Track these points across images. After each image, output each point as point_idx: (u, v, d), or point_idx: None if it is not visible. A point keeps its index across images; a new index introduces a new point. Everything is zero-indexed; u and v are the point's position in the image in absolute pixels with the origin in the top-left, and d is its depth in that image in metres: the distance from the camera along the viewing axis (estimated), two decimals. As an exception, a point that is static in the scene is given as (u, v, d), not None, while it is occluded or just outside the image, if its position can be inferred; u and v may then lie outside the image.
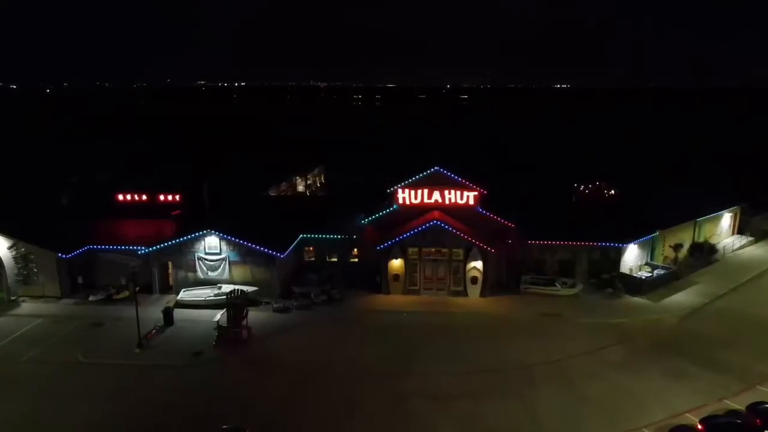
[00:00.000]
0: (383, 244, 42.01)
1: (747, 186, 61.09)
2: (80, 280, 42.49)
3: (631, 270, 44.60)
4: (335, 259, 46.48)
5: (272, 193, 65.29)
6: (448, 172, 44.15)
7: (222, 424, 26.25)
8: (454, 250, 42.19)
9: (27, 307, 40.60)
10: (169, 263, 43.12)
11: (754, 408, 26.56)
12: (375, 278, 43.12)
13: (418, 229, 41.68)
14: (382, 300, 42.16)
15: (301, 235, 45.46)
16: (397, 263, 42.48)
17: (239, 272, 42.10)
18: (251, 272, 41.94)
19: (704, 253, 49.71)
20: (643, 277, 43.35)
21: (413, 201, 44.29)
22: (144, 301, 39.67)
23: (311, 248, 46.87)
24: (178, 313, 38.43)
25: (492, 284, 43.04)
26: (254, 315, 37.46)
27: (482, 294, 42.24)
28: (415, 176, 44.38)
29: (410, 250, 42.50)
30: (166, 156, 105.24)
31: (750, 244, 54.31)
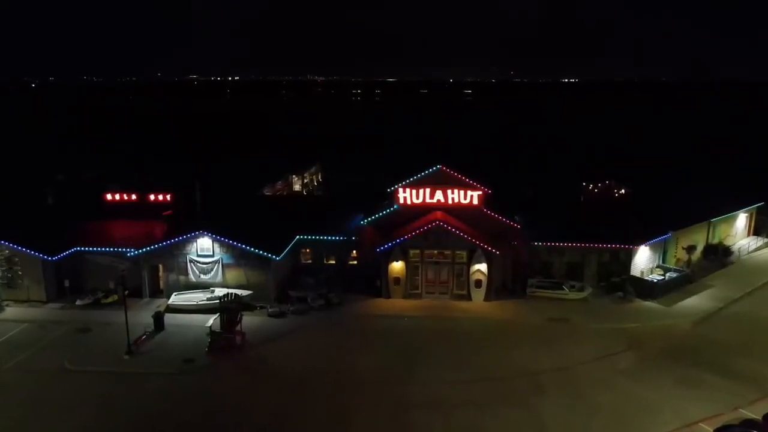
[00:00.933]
0: (383, 246, 42.01)
1: (764, 185, 60.95)
2: (67, 283, 42.47)
3: (642, 273, 44.60)
4: (333, 262, 46.48)
5: (267, 193, 65.30)
6: (451, 170, 44.10)
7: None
8: (458, 252, 42.19)
9: (11, 311, 40.58)
10: (160, 266, 43.11)
11: (771, 417, 26.54)
12: (375, 281, 43.12)
13: (419, 230, 41.67)
14: (383, 304, 42.16)
15: (297, 237, 45.46)
16: (397, 266, 42.48)
17: (233, 275, 42.12)
18: (245, 275, 41.96)
19: (719, 255, 49.70)
20: (655, 281, 43.34)
21: (415, 201, 44.29)
22: (133, 305, 39.63)
23: (308, 250, 46.85)
24: (169, 318, 38.43)
25: (497, 288, 43.03)
26: (248, 320, 37.48)
27: (487, 298, 42.22)
28: (416, 175, 44.36)
29: (412, 252, 42.50)
30: (157, 154, 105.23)
31: (767, 245, 54.29)
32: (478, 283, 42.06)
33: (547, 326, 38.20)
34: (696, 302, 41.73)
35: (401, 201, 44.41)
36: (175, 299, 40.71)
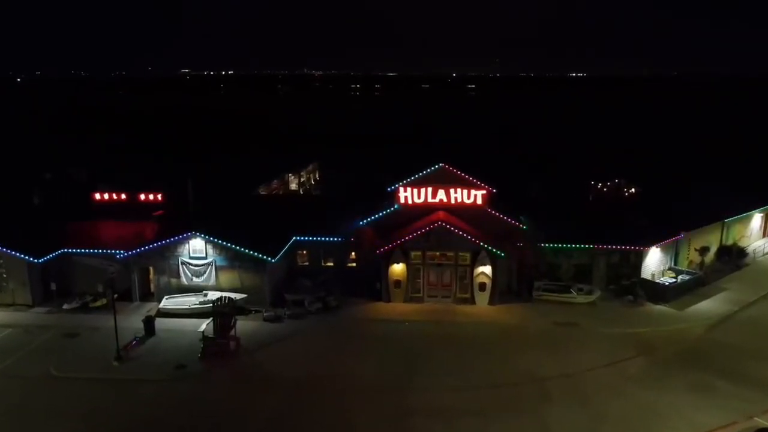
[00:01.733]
0: (383, 248, 42.00)
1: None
2: (53, 286, 42.38)
3: (653, 275, 44.57)
4: (331, 264, 46.49)
5: (263, 192, 65.37)
6: (454, 168, 44.08)
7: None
8: (461, 253, 42.19)
9: (-4, 316, 40.56)
10: (151, 268, 43.12)
11: (788, 426, 26.52)
12: (375, 284, 43.12)
13: (421, 230, 41.66)
14: (383, 308, 42.16)
15: (294, 238, 45.46)
16: (398, 268, 42.47)
17: (227, 278, 42.11)
18: (240, 278, 41.96)
19: (733, 256, 49.67)
20: (667, 283, 43.32)
21: (416, 200, 44.29)
22: (123, 309, 39.66)
23: (305, 252, 46.86)
24: (160, 323, 38.40)
25: (502, 291, 43.04)
26: (243, 324, 37.46)
27: (491, 302, 42.22)
28: (418, 173, 44.35)
29: (413, 253, 42.50)
30: (148, 151, 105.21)
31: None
32: (482, 286, 42.05)
33: (554, 331, 38.19)
34: (709, 306, 41.71)
35: (402, 201, 44.39)
36: (167, 303, 40.72)
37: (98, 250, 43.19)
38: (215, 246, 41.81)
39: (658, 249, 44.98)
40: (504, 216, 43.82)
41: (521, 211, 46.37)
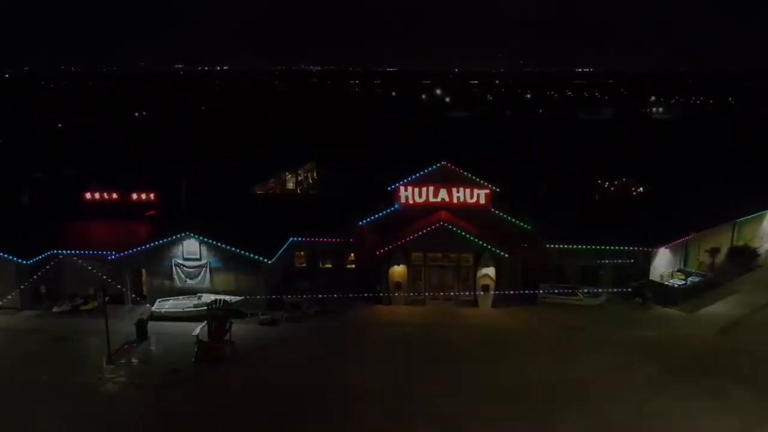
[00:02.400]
0: (383, 248, 41.97)
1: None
2: (43, 289, 42.48)
3: (662, 277, 44.54)
4: (330, 265, 46.46)
5: (259, 191, 65.32)
6: (456, 167, 44.05)
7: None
8: (463, 255, 42.20)
9: (-17, 319, 40.52)
10: (143, 270, 43.08)
11: (801, 433, 26.48)
12: (374, 286, 43.10)
13: (422, 231, 41.64)
14: (383, 311, 42.15)
15: (291, 238, 45.44)
16: (399, 270, 42.45)
17: (222, 280, 42.09)
18: (235, 280, 41.94)
19: (744, 258, 49.59)
20: (676, 286, 43.30)
21: (417, 200, 44.26)
22: (115, 312, 39.61)
23: (302, 253, 46.85)
24: (153, 326, 38.41)
25: (506, 293, 43.02)
26: (238, 328, 37.43)
27: (495, 304, 42.21)
28: (419, 172, 44.33)
29: (414, 255, 42.48)
30: (140, 149, 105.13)
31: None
32: (486, 288, 42.02)
33: (560, 335, 38.17)
34: (720, 309, 41.69)
35: (402, 200, 44.37)
36: (160, 306, 40.69)
37: (89, 251, 43.13)
38: (210, 247, 41.78)
39: (667, 250, 44.94)
40: (508, 216, 43.80)
41: (526, 211, 46.34)
